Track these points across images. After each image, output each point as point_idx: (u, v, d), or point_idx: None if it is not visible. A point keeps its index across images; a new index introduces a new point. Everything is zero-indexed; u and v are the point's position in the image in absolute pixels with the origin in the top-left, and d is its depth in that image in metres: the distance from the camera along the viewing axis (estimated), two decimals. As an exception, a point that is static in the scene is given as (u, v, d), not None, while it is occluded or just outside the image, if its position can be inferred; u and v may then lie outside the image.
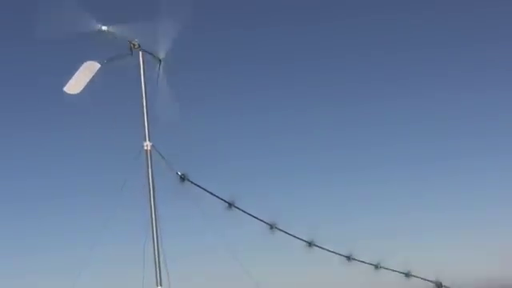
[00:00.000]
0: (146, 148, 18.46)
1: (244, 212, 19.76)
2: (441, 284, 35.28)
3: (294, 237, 21.55)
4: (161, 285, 18.70)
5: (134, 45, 19.00)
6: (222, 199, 19.47)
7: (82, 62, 19.57)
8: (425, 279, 30.47)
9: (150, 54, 19.36)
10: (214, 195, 19.29)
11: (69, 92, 19.17)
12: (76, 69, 19.51)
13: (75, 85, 19.09)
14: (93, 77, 19.13)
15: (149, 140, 18.48)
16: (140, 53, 19.03)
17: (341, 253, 23.60)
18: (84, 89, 19.49)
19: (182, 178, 18.75)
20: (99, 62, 19.27)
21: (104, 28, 18.56)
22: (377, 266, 25.41)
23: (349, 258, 24.11)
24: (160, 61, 19.53)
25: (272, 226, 20.74)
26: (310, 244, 22.24)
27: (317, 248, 22.73)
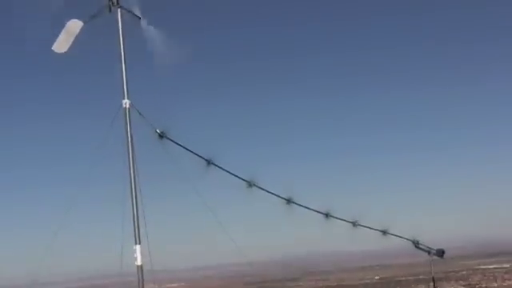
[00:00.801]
0: (124, 106, 18.52)
1: (222, 169, 19.95)
2: (417, 242, 35.74)
3: (273, 194, 21.78)
4: (139, 243, 18.91)
5: (112, 2, 18.98)
6: (200, 157, 19.63)
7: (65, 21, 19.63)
8: (402, 237, 30.89)
9: (129, 11, 19.36)
10: (193, 153, 19.45)
11: (57, 51, 19.38)
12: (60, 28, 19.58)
13: (62, 43, 19.24)
14: (77, 35, 19.21)
15: (128, 98, 18.53)
16: (119, 10, 19.00)
17: (319, 210, 23.89)
18: (70, 47, 19.63)
19: (161, 136, 18.88)
20: (82, 21, 19.33)
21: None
22: (354, 224, 25.77)
23: (327, 215, 24.43)
24: (139, 18, 19.51)
25: (250, 184, 20.94)
26: (289, 201, 22.48)
27: (295, 205, 23.00)
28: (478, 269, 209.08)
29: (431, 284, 43.73)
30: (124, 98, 18.51)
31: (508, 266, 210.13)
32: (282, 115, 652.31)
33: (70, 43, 19.20)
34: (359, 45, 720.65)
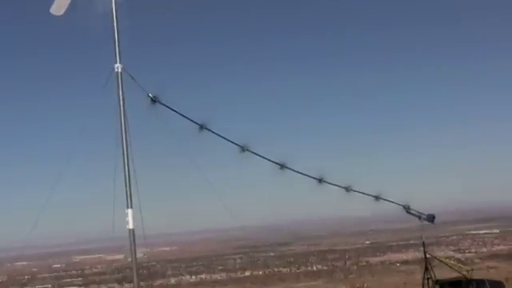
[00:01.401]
0: (117, 70, 18.44)
1: (215, 134, 19.91)
2: (409, 207, 35.90)
3: (266, 159, 21.79)
4: (131, 207, 18.93)
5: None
6: (193, 121, 19.57)
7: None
8: (394, 202, 30.99)
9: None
10: (186, 117, 19.41)
11: (54, 13, 19.30)
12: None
13: (59, 6, 19.14)
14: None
15: (120, 62, 18.44)
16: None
17: (312, 175, 23.92)
18: (67, 10, 19.55)
19: (154, 100, 18.81)
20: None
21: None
22: (347, 189, 25.84)
23: (320, 180, 24.46)
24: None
25: (244, 149, 20.92)
26: (282, 166, 22.49)
27: (288, 170, 23.01)
28: (468, 234, 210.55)
29: (421, 249, 44.00)
30: (116, 62, 18.43)
31: (498, 231, 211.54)
32: (276, 82, 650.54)
33: (67, 6, 19.13)
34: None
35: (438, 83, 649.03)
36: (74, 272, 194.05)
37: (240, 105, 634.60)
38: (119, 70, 18.38)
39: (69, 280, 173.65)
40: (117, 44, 18.43)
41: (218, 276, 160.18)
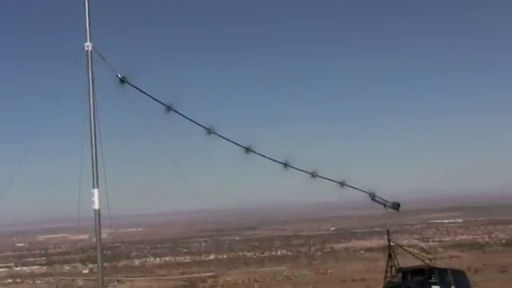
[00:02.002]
0: (86, 49, 18.31)
1: (182, 116, 19.90)
2: (374, 195, 36.11)
3: (232, 142, 21.83)
4: (97, 186, 18.88)
5: None
6: (161, 103, 19.55)
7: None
8: (359, 189, 31.18)
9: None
10: (154, 98, 19.38)
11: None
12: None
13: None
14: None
15: (90, 41, 18.31)
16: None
17: (278, 160, 24.01)
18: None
19: (122, 81, 18.73)
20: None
21: None
22: (313, 175, 25.98)
23: (285, 165, 24.56)
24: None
25: (210, 131, 20.93)
26: (248, 150, 22.54)
27: (254, 154, 23.08)
28: (432, 223, 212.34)
29: (386, 237, 44.36)
30: (86, 41, 18.30)
31: (461, 220, 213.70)
32: (243, 64, 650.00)
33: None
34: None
35: (407, 73, 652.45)
36: (37, 251, 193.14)
37: (208, 89, 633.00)
38: (89, 49, 18.26)
39: (32, 259, 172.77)
40: (87, 22, 18.30)
41: (182, 258, 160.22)
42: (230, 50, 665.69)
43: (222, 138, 21.12)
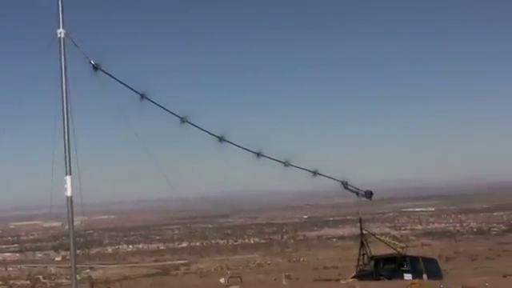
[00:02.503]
0: (59, 35, 18.19)
1: (155, 104, 19.89)
2: (346, 183, 36.33)
3: (206, 131, 21.84)
4: (70, 173, 18.81)
5: None
6: (134, 90, 19.51)
7: None
8: (331, 178, 31.32)
9: None
10: (127, 86, 19.32)
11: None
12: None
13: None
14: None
15: (63, 27, 18.18)
16: None
17: (251, 149, 24.07)
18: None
19: (95, 68, 18.66)
20: None
21: None
22: (286, 164, 26.08)
23: (258, 154, 24.63)
24: None
25: (183, 120, 20.94)
26: (221, 139, 22.57)
27: (227, 143, 23.11)
28: (404, 211, 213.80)
29: (358, 225, 44.68)
30: (59, 28, 18.17)
31: (433, 209, 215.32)
32: (219, 52, 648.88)
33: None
34: None
35: (383, 59, 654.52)
36: (9, 238, 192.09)
37: (182, 75, 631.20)
38: (62, 36, 18.14)
39: (4, 246, 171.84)
40: (60, 9, 18.17)
41: (155, 246, 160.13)
42: (203, 34, 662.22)
43: (196, 126, 21.12)
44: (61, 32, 18.26)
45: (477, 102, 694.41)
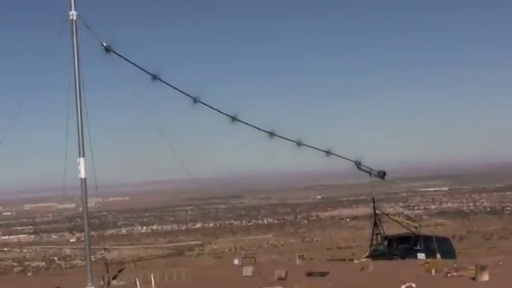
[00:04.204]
0: (71, 17, 18.19)
1: (168, 85, 19.90)
2: (360, 163, 36.31)
3: (218, 111, 21.86)
4: (83, 155, 18.88)
5: None
6: (146, 71, 19.53)
7: None
8: (345, 158, 31.33)
9: None
10: (139, 67, 19.35)
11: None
12: None
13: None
14: None
15: (74, 9, 18.18)
16: None
17: (264, 129, 24.08)
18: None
19: (107, 50, 18.65)
20: None
21: None
22: (299, 144, 26.11)
23: (271, 134, 24.64)
24: None
25: (196, 100, 20.94)
26: (234, 119, 22.58)
27: (240, 123, 23.13)
28: (417, 191, 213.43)
29: (371, 205, 44.69)
30: (71, 9, 18.17)
31: (446, 189, 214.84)
32: (229, 33, 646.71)
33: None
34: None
35: (394, 43, 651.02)
36: (24, 220, 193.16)
37: (193, 58, 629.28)
38: (74, 18, 18.14)
39: (19, 228, 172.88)
40: (71, -9, 18.17)
41: (169, 227, 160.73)
42: (216, 21, 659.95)
43: (208, 106, 21.14)
44: (73, 14, 18.26)
45: (486, 80, 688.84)
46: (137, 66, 18.68)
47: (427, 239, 42.11)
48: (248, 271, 32.94)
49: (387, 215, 49.50)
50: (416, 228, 44.02)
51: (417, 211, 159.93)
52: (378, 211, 42.73)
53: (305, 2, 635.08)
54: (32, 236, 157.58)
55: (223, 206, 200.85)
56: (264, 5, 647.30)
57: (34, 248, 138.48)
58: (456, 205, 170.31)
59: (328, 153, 25.50)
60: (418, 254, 39.68)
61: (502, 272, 27.99)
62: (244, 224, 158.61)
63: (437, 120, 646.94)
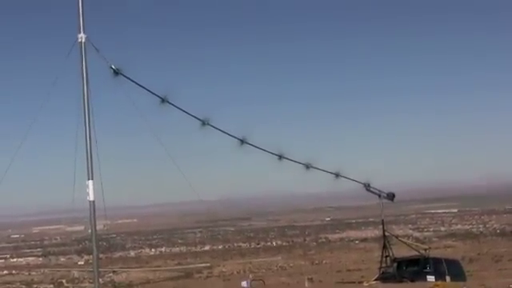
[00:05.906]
0: (80, 40, 18.24)
1: (177, 108, 19.92)
2: (369, 185, 36.22)
3: (227, 134, 21.87)
4: (92, 178, 18.87)
5: None
6: (155, 94, 19.56)
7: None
8: (354, 180, 31.25)
9: None
10: (148, 90, 19.38)
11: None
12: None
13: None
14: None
15: (83, 32, 18.24)
16: None
17: (273, 151, 24.07)
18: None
19: (116, 72, 18.70)
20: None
21: None
22: (308, 166, 26.06)
23: (280, 157, 24.63)
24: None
25: (204, 123, 20.95)
26: (243, 142, 22.58)
27: (249, 146, 23.12)
28: (426, 213, 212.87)
29: (381, 227, 44.57)
30: (80, 33, 18.22)
31: (456, 211, 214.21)
32: (240, 57, 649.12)
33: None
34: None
35: (400, 57, 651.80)
36: (33, 243, 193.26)
37: (203, 80, 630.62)
38: (83, 40, 18.20)
39: (28, 250, 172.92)
40: (80, 14, 18.23)
41: (177, 249, 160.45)
42: (227, 46, 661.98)
43: (217, 129, 21.12)
44: (81, 37, 18.30)
45: (496, 103, 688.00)
46: (145, 89, 18.66)
47: (437, 261, 41.91)
48: (257, 294, 32.91)
49: (396, 237, 49.29)
50: (425, 250, 43.81)
51: (426, 233, 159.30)
52: (387, 233, 42.58)
53: (317, 26, 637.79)
54: (40, 259, 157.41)
55: (232, 229, 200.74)
56: (276, 29, 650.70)
57: (42, 271, 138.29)
58: (466, 227, 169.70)
59: (337, 175, 25.41)
60: (428, 277, 39.45)
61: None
62: (253, 246, 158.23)
63: (446, 142, 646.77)
